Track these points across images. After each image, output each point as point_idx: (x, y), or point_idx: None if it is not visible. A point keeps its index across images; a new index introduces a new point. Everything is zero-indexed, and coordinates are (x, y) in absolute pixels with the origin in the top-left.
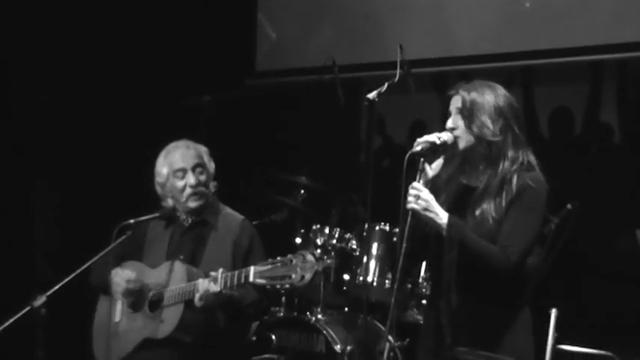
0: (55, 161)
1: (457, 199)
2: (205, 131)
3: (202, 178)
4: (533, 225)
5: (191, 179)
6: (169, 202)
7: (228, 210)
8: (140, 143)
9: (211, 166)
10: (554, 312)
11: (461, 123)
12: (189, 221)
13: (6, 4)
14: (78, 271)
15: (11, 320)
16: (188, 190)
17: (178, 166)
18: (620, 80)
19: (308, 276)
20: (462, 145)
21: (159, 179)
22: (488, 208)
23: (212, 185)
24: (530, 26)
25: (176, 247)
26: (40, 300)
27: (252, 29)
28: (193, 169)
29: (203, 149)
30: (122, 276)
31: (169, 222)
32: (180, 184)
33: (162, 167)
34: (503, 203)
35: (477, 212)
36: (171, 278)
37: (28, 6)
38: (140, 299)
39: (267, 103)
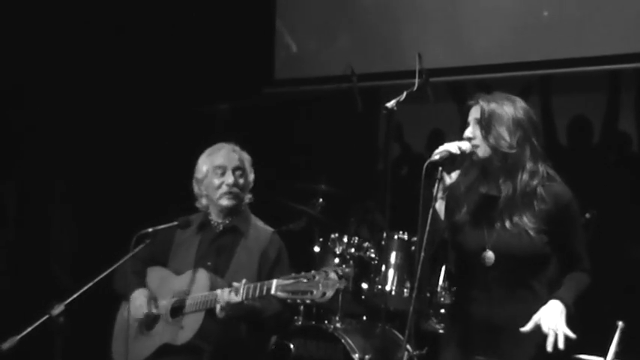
0: (72, 169)
1: (478, 209)
2: (223, 139)
3: (241, 181)
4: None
5: (229, 178)
6: (203, 202)
7: (259, 222)
8: (158, 151)
9: (251, 176)
10: (620, 325)
11: (478, 133)
12: (221, 227)
13: (30, 11)
14: (96, 279)
15: (30, 329)
16: (224, 188)
17: (219, 163)
18: (639, 89)
19: (329, 293)
20: (479, 155)
21: (197, 175)
22: (520, 220)
23: (247, 197)
24: (548, 35)
25: (205, 252)
26: (59, 308)
27: (271, 38)
28: (234, 170)
29: (247, 157)
30: (141, 306)
31: (200, 227)
32: (217, 181)
33: (203, 164)
34: (541, 215)
35: (508, 224)
36: (194, 286)
37: (51, 13)
38: (153, 322)
39: (285, 111)
